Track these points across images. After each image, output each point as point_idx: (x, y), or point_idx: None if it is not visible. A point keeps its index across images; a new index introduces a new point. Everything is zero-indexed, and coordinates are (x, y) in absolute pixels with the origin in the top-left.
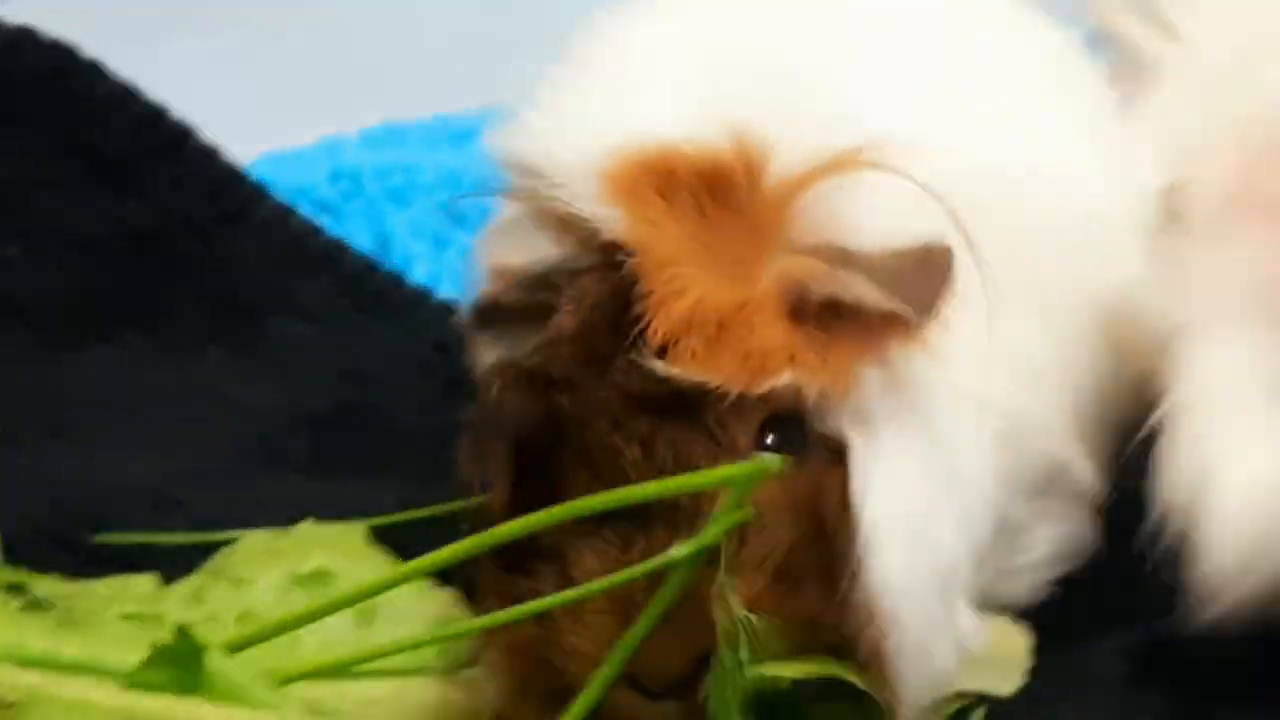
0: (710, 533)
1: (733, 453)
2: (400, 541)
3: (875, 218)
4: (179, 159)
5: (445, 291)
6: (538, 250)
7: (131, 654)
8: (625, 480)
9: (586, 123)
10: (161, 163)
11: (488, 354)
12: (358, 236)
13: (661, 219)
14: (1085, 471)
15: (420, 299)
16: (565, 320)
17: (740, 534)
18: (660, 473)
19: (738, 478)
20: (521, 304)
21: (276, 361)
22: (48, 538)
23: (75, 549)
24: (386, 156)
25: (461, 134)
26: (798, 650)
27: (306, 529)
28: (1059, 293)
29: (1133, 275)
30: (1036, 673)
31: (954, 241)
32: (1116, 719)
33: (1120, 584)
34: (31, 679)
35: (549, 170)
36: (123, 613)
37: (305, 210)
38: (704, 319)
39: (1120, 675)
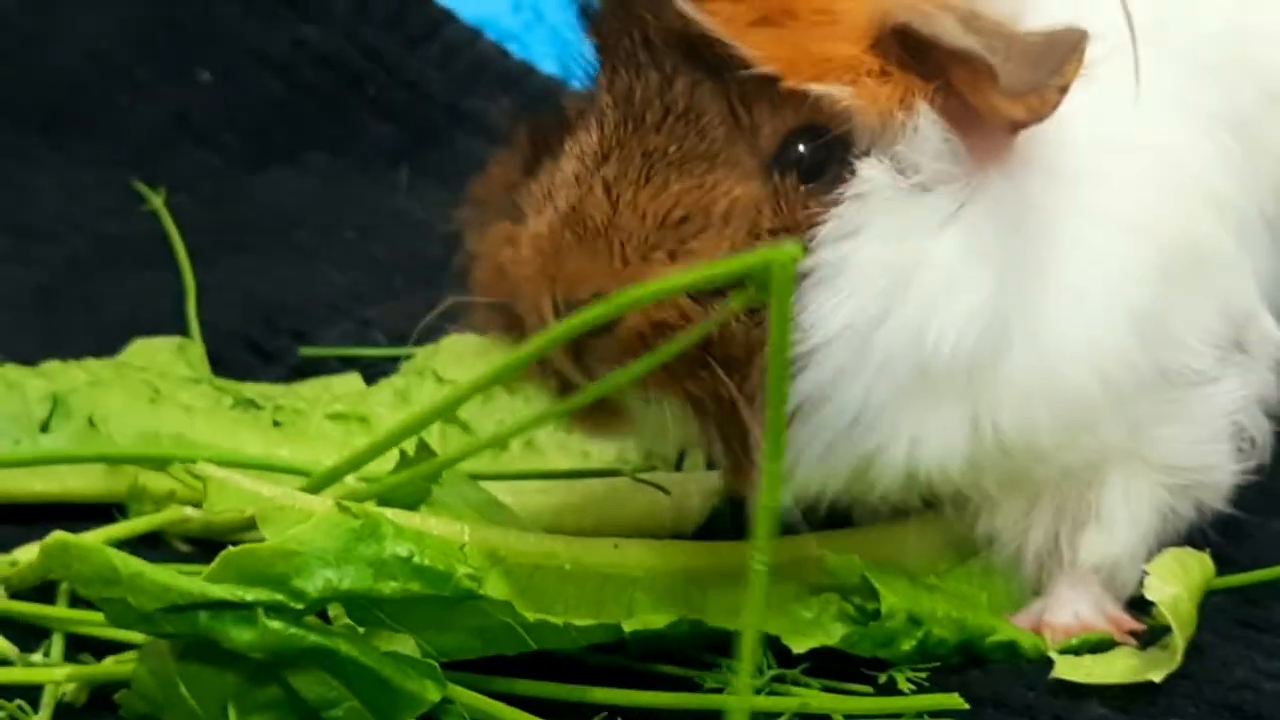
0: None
1: (751, 138)
2: None
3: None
4: None
5: None
6: None
7: (338, 456)
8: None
9: None
10: None
11: None
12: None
13: None
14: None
15: None
16: None
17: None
18: (668, 112)
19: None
20: None
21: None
22: (249, 350)
23: (274, 359)
24: None
25: None
26: None
27: None
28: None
29: None
30: None
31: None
32: None
33: None
34: (268, 493)
35: None
36: (329, 413)
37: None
38: None
39: None
